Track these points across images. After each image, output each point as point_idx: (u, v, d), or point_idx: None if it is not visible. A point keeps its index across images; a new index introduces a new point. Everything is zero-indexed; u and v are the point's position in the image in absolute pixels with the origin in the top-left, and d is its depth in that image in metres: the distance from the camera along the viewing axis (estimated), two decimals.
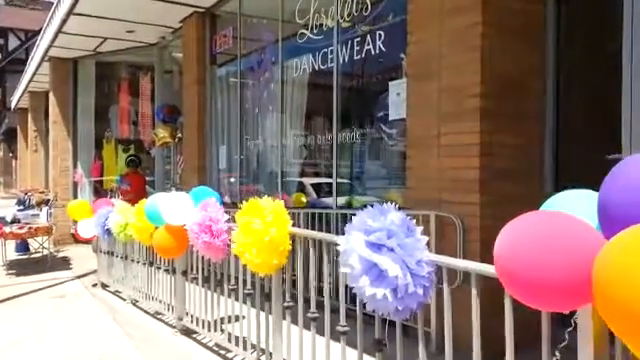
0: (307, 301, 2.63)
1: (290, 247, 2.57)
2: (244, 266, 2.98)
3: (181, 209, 3.70)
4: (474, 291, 1.76)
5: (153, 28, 8.30)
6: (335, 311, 2.47)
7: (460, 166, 3.11)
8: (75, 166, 10.80)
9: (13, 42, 27.43)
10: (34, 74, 12.36)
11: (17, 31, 27.39)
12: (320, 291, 2.77)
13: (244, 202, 2.76)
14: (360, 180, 4.90)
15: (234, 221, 3.27)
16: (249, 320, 3.24)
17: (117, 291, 6.24)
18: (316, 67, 5.05)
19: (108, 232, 5.84)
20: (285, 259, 2.59)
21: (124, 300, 5.66)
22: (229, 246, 3.25)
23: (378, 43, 4.25)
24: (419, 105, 3.43)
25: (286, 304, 2.73)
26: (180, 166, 8.58)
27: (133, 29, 8.34)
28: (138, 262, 5.26)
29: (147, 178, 9.18)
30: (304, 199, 5.41)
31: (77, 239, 9.41)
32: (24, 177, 21.33)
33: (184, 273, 4.04)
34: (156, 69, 9.26)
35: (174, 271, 4.21)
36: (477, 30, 3.05)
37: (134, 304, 5.48)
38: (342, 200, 4.87)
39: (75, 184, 10.79)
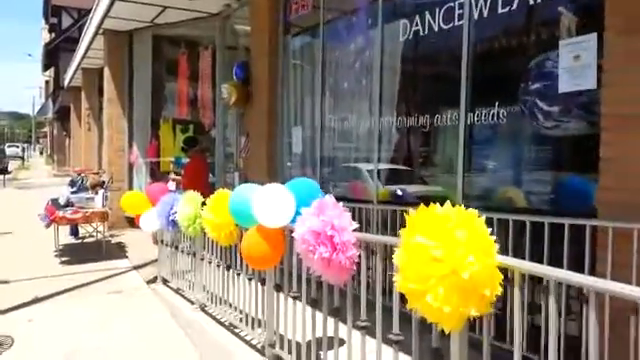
0: None
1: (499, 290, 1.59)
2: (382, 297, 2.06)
3: (282, 207, 2.82)
4: None
5: None
6: None
7: None
8: (130, 146, 10.20)
9: (67, 21, 27.47)
10: (87, 49, 11.83)
11: (70, 10, 27.38)
12: None
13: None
14: (492, 174, 3.85)
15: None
16: None
17: (179, 289, 5.52)
18: (434, 28, 4.01)
19: (173, 223, 5.09)
20: (489, 308, 1.64)
21: (191, 303, 4.90)
22: (358, 264, 2.35)
23: None
24: (630, 70, 2.41)
25: None
26: (245, 150, 7.76)
27: None
28: (210, 262, 4.46)
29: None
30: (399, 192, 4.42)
31: (133, 223, 8.86)
32: (77, 156, 21.32)
33: (278, 288, 3.17)
34: (217, 43, 8.42)
35: (263, 282, 3.35)
36: None
37: (203, 309, 4.71)
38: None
39: (130, 165, 10.21)
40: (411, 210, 1.77)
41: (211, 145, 8.71)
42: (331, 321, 2.66)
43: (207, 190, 7.86)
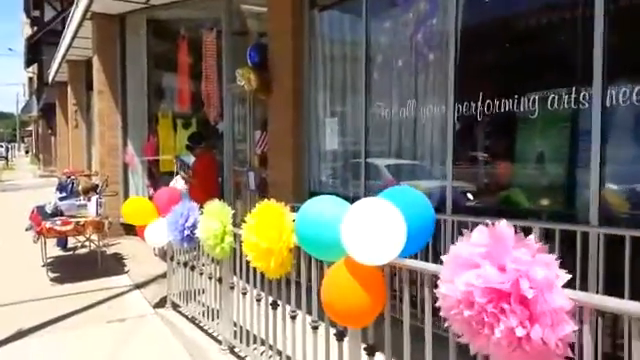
0: None
1: None
2: None
3: (390, 234, 1.83)
4: None
5: None
6: None
7: None
8: (125, 144, 9.10)
9: (49, 14, 26.05)
10: (74, 37, 10.68)
11: (52, 1, 25.97)
12: None
13: None
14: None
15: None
16: None
17: (195, 318, 4.53)
18: None
19: (189, 239, 4.10)
20: None
21: (216, 342, 3.89)
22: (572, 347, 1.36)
23: None
24: None
25: None
26: (261, 145, 6.75)
27: None
28: (245, 293, 3.44)
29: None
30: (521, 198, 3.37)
31: (129, 230, 7.83)
32: (63, 155, 20.08)
33: (371, 350, 2.15)
34: (224, 25, 7.34)
35: (340, 336, 2.34)
36: None
37: (232, 350, 3.71)
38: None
39: (126, 166, 9.11)
40: None
41: (218, 141, 7.66)
42: None
43: (217, 193, 6.90)
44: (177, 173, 6.93)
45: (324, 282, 2.03)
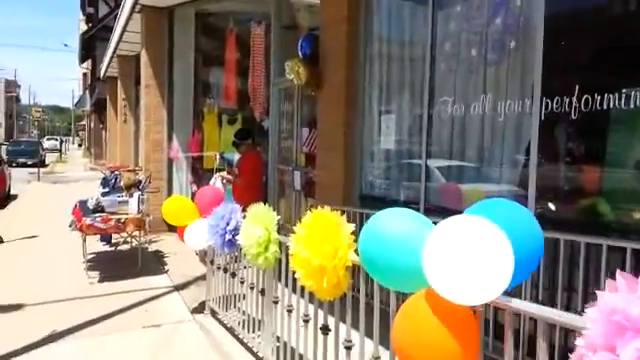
0: None
1: None
2: None
3: (494, 267, 1.37)
4: None
5: None
6: None
7: None
8: (170, 139, 8.91)
9: (103, 10, 26.64)
10: (123, 31, 10.61)
11: None
12: None
13: None
14: None
15: None
16: None
17: (233, 328, 4.20)
18: None
19: (230, 244, 3.74)
20: None
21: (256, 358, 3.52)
22: None
23: None
24: None
25: None
26: (309, 144, 6.35)
27: None
28: (290, 311, 3.03)
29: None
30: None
31: (172, 226, 7.62)
32: (113, 149, 20.40)
33: None
34: (273, 18, 6.98)
35: None
36: None
37: None
38: None
39: (170, 161, 8.93)
40: None
41: (263, 139, 7.32)
42: None
43: (262, 193, 6.56)
44: (217, 170, 6.61)
45: (395, 320, 1.59)
